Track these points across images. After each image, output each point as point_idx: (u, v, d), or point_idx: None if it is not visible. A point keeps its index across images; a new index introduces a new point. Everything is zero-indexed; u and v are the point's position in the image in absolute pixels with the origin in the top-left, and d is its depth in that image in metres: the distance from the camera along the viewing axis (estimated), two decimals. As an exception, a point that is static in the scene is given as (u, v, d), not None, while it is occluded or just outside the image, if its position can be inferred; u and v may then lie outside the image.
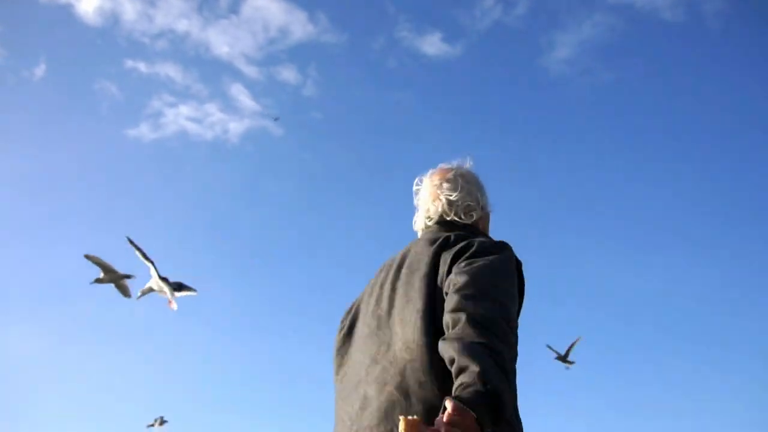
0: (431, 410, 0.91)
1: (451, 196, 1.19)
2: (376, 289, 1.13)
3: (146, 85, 10.08)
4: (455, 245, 1.05)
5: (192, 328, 10.17)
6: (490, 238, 1.14)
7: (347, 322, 1.16)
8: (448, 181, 1.22)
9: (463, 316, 0.90)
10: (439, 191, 1.21)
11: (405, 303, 1.03)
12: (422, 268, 1.05)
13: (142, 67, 9.70)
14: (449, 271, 1.00)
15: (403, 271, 1.09)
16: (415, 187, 1.28)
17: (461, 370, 0.83)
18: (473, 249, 1.02)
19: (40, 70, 9.53)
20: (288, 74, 9.91)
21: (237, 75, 10.14)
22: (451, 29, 10.05)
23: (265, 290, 10.70)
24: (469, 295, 0.93)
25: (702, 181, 9.59)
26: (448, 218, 1.19)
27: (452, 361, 0.85)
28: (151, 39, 9.77)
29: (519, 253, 1.05)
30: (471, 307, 0.90)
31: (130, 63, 9.70)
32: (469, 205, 1.20)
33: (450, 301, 0.94)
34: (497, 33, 9.75)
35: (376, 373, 1.00)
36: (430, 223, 1.20)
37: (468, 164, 1.27)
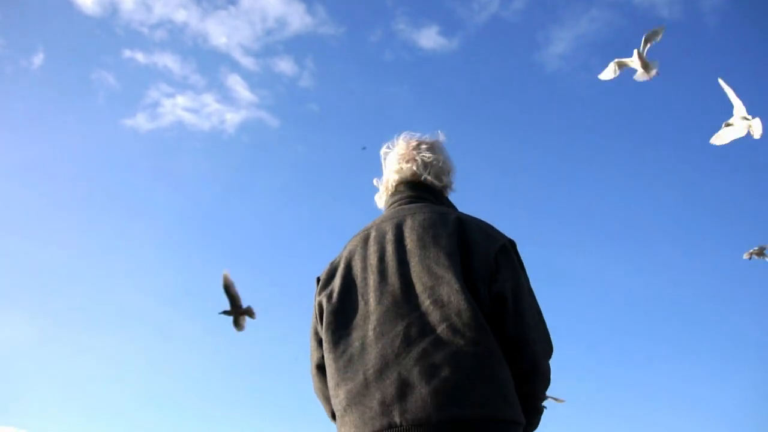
0: (493, 395, 0.91)
1: (427, 157, 1.19)
2: (374, 262, 1.05)
3: (144, 75, 10.03)
4: (490, 240, 1.04)
5: (187, 320, 10.17)
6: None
7: (336, 298, 1.06)
8: (426, 143, 1.22)
9: (535, 359, 1.01)
10: (415, 152, 1.20)
11: (434, 281, 0.98)
12: (445, 244, 1.01)
13: (139, 57, 9.64)
14: (496, 271, 1.00)
15: (409, 244, 1.03)
16: (384, 150, 1.26)
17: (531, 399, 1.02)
18: (515, 257, 1.06)
19: (38, 60, 9.47)
20: (285, 66, 9.88)
21: (234, 66, 10.10)
22: (448, 23, 10.03)
23: (260, 283, 10.71)
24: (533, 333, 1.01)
25: (701, 178, 9.63)
26: (421, 179, 1.17)
27: (524, 381, 0.99)
28: (149, 29, 9.71)
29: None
30: (540, 350, 1.02)
31: (128, 53, 9.64)
32: (442, 168, 1.20)
33: (514, 318, 0.99)
34: (494, 27, 9.73)
35: (415, 355, 0.92)
36: (399, 186, 1.18)
37: (441, 138, 1.27)
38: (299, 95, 10.21)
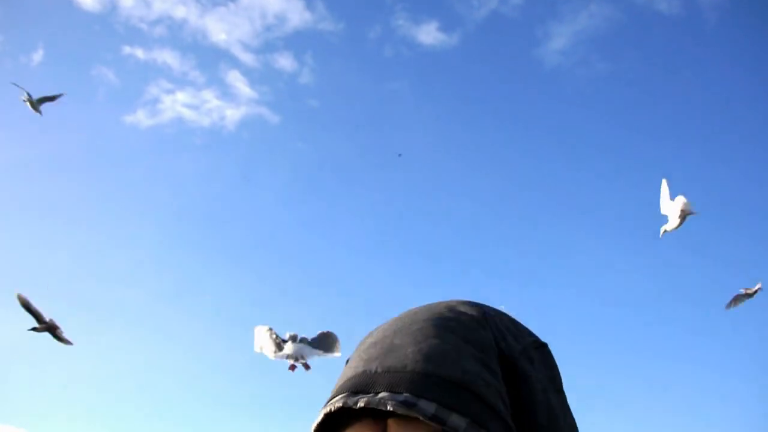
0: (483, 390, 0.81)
1: None
2: None
3: (143, 72, 10.01)
4: None
5: (182, 316, 10.16)
6: None
7: None
8: None
9: None
10: None
11: None
12: None
13: (139, 53, 9.62)
14: None
15: None
16: None
17: None
18: None
19: (38, 56, 9.44)
20: (284, 62, 9.85)
21: (234, 62, 10.07)
22: (447, 18, 10.00)
23: (259, 280, 10.68)
24: None
25: (699, 174, 9.60)
26: None
27: None
28: (148, 25, 9.69)
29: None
30: None
31: (127, 49, 9.61)
32: None
33: None
34: (494, 23, 9.70)
35: (411, 330, 0.90)
36: None
37: None
38: (299, 91, 10.20)
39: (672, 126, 9.74)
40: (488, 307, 0.77)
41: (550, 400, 0.68)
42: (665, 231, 5.03)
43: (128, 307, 9.86)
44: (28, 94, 5.98)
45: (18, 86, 6.04)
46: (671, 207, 4.91)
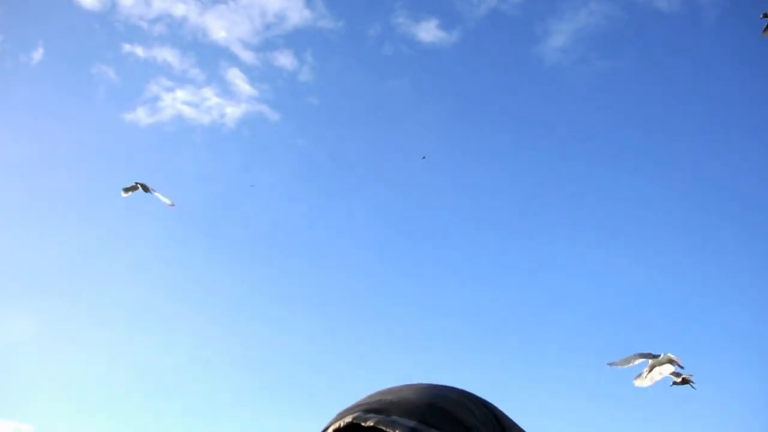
0: None
1: None
2: None
3: (143, 70, 10.03)
4: None
5: (187, 314, 10.21)
6: None
7: None
8: None
9: None
10: None
11: None
12: None
13: (139, 51, 9.64)
14: None
15: None
16: None
17: None
18: None
19: (38, 55, 9.47)
20: (284, 60, 9.87)
21: (234, 60, 10.09)
22: (447, 16, 10.01)
23: (259, 277, 10.73)
24: None
25: (698, 171, 9.61)
26: None
27: None
28: (148, 23, 9.70)
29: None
30: None
31: (127, 47, 9.64)
32: None
33: None
34: (494, 20, 9.71)
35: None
36: None
37: None
38: (299, 89, 10.22)
39: (671, 123, 9.76)
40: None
41: None
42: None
43: (130, 304, 9.91)
44: (141, 185, 5.87)
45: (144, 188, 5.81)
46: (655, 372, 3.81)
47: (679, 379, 3.86)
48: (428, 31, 9.66)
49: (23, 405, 8.82)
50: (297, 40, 9.95)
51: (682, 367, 3.81)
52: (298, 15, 9.85)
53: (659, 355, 3.85)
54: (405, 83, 10.29)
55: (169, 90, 9.67)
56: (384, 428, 0.62)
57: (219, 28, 10.01)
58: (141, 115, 9.64)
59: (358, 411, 0.65)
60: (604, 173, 9.74)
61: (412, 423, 0.62)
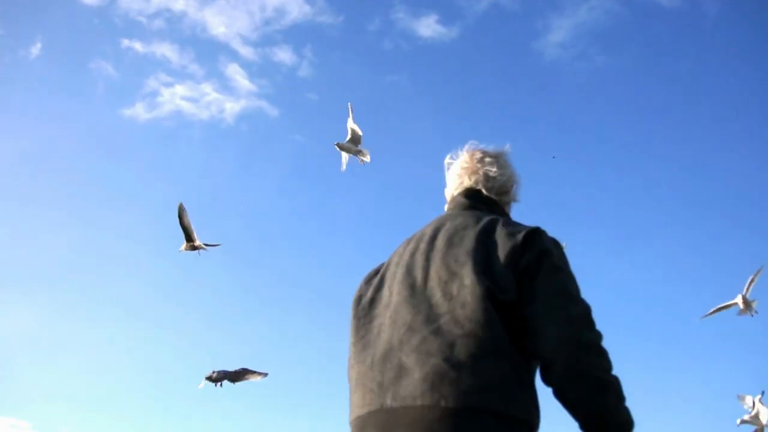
0: (484, 386, 0.91)
1: (491, 171, 1.20)
2: (406, 258, 1.10)
3: (142, 65, 9.97)
4: (515, 233, 1.02)
5: (187, 312, 10.18)
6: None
7: (371, 290, 1.12)
8: (490, 156, 1.23)
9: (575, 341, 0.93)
10: (479, 165, 1.21)
11: (448, 276, 1.01)
12: (467, 243, 1.03)
13: (138, 46, 9.58)
14: (519, 263, 0.98)
15: (439, 243, 1.07)
16: (447, 160, 1.28)
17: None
18: (549, 249, 1.00)
19: (36, 50, 9.41)
20: (284, 55, 9.82)
21: (233, 55, 10.04)
22: (447, 11, 9.95)
23: (258, 272, 10.70)
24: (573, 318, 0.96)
25: (699, 168, 9.59)
26: (484, 193, 1.19)
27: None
28: (147, 18, 9.65)
29: None
30: (586, 334, 0.95)
31: (126, 42, 9.58)
32: (505, 184, 1.20)
33: (546, 314, 0.95)
34: (494, 15, 9.66)
35: (415, 342, 0.96)
36: (459, 196, 1.20)
37: (507, 150, 1.26)
38: (298, 84, 10.16)
39: (672, 119, 9.73)
40: None
41: None
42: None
43: (128, 301, 9.87)
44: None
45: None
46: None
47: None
48: (428, 27, 9.62)
49: (20, 402, 8.78)
50: (296, 35, 9.91)
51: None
52: (297, 10, 9.80)
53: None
54: (404, 78, 10.25)
55: (168, 85, 9.62)
56: None
57: (218, 23, 9.96)
58: (140, 111, 9.60)
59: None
60: (604, 170, 9.71)
61: None
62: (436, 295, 1.00)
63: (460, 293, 0.97)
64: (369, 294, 1.12)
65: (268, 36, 9.82)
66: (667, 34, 9.53)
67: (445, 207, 1.24)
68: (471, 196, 1.19)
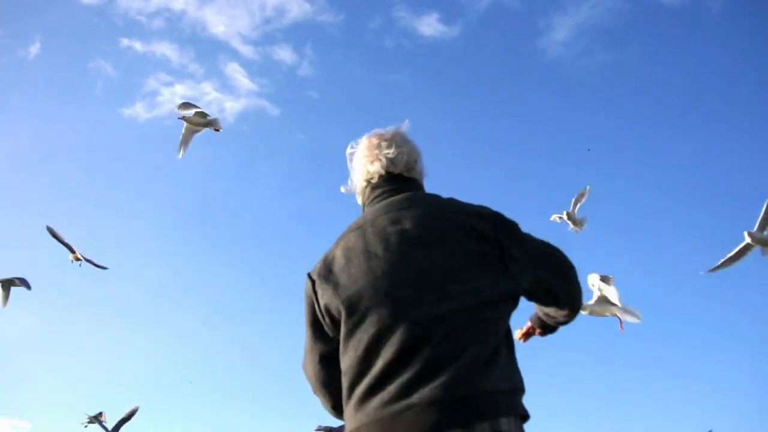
0: (487, 364, 0.98)
1: (390, 153, 1.22)
2: (379, 253, 1.07)
3: (142, 65, 9.97)
4: (484, 213, 1.12)
5: (184, 308, 10.18)
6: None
7: (342, 291, 1.07)
8: (386, 140, 1.25)
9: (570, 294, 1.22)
10: (377, 151, 1.23)
11: (446, 267, 1.04)
12: (449, 237, 1.08)
13: (137, 46, 9.59)
14: (507, 246, 1.09)
15: (416, 232, 1.08)
16: (348, 151, 1.30)
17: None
18: (513, 224, 1.14)
19: (35, 49, 9.40)
20: (284, 54, 9.82)
21: (233, 54, 10.04)
22: (448, 9, 9.94)
23: (258, 272, 10.70)
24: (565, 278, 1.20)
25: (701, 165, 9.57)
26: (396, 173, 1.21)
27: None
28: (147, 18, 9.65)
29: None
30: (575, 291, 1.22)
31: (125, 42, 9.58)
32: (407, 160, 1.23)
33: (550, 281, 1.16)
34: (496, 14, 9.66)
35: (438, 339, 0.99)
36: (374, 181, 1.21)
37: (404, 127, 1.29)
38: (299, 83, 10.15)
39: (675, 117, 9.71)
40: None
41: None
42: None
43: (128, 301, 9.87)
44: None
45: None
46: None
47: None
48: (429, 25, 9.61)
49: (21, 402, 8.78)
50: (297, 34, 9.91)
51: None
52: (297, 8, 9.80)
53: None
54: (405, 77, 10.24)
55: (168, 85, 9.63)
56: None
57: (218, 22, 9.95)
58: (139, 110, 9.59)
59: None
60: (607, 168, 9.69)
61: None
62: (437, 288, 1.03)
63: (459, 287, 1.04)
64: (343, 294, 1.07)
65: (268, 35, 9.81)
66: (670, 32, 9.51)
67: (362, 197, 1.25)
68: (390, 179, 1.21)
